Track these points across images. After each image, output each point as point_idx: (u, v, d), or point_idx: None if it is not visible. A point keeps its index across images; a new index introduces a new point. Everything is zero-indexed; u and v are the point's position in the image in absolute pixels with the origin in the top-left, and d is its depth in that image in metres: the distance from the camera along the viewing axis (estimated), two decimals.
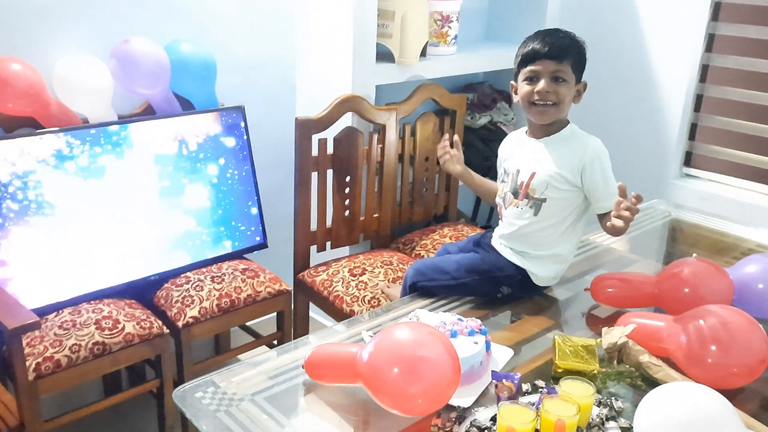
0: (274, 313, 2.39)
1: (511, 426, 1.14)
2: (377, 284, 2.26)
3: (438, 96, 2.68)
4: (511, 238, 1.81)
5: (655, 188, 2.85)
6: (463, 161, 2.15)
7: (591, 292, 1.75)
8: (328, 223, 2.48)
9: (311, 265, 2.46)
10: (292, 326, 2.44)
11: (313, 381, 1.39)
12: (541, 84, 1.70)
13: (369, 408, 1.32)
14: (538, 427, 1.19)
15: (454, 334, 1.43)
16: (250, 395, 1.34)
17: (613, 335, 1.48)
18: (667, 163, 2.87)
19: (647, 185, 2.90)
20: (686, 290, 1.62)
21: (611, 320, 1.63)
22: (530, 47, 1.72)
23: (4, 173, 1.93)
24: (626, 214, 1.57)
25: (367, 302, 2.20)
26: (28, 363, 1.80)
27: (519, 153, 1.84)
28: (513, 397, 1.29)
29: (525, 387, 1.38)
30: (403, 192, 2.71)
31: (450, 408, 1.30)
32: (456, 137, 2.19)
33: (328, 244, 2.51)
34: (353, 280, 2.29)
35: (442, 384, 1.24)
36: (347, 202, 2.49)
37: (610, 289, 1.73)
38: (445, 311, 1.69)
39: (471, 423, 1.25)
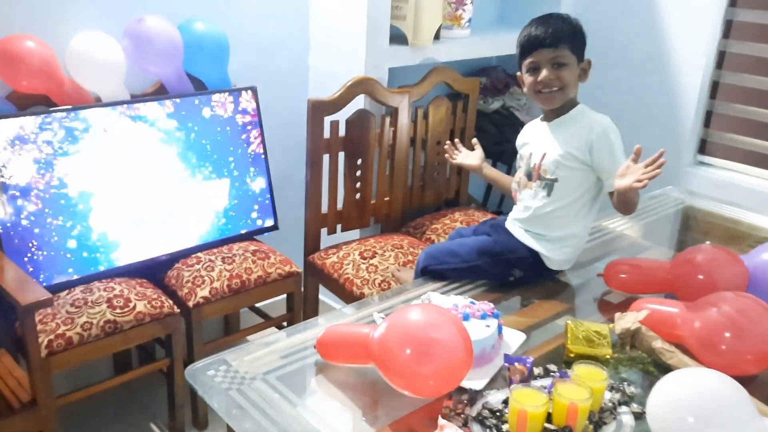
0: (284, 295, 2.40)
1: (524, 409, 1.14)
2: (387, 267, 2.26)
3: (451, 79, 2.66)
4: (526, 221, 1.81)
5: (669, 175, 2.80)
6: (481, 157, 2.17)
7: (604, 278, 1.74)
8: (339, 205, 2.48)
9: (321, 247, 2.46)
10: (301, 308, 2.45)
11: (325, 361, 1.39)
12: (543, 73, 1.72)
13: (380, 389, 1.32)
14: (551, 411, 1.19)
15: (466, 317, 1.42)
16: (261, 374, 1.34)
17: (627, 321, 1.47)
18: (682, 151, 2.85)
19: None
20: (700, 277, 1.61)
21: (624, 306, 1.62)
22: (526, 38, 1.74)
23: (17, 150, 1.93)
24: (639, 184, 1.54)
25: (377, 285, 2.20)
26: (40, 340, 1.81)
27: (533, 138, 1.85)
28: (525, 380, 1.29)
29: (537, 371, 1.37)
30: (414, 176, 2.70)
31: (462, 390, 1.30)
32: (474, 140, 2.22)
33: (339, 227, 2.51)
34: (363, 263, 2.28)
35: (454, 366, 1.24)
36: (358, 185, 2.49)
37: (623, 275, 1.72)
38: (457, 294, 1.68)
39: (483, 405, 1.24)
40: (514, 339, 1.49)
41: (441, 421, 1.19)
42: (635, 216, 2.25)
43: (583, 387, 1.19)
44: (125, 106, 2.12)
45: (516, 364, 1.31)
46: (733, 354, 1.36)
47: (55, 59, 1.99)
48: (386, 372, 1.26)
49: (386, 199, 2.60)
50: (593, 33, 1.77)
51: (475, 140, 2.20)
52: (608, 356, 1.43)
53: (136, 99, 2.17)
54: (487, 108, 2.99)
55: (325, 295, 2.61)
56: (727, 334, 1.36)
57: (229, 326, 2.71)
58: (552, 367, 1.39)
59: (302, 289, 2.44)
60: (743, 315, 1.37)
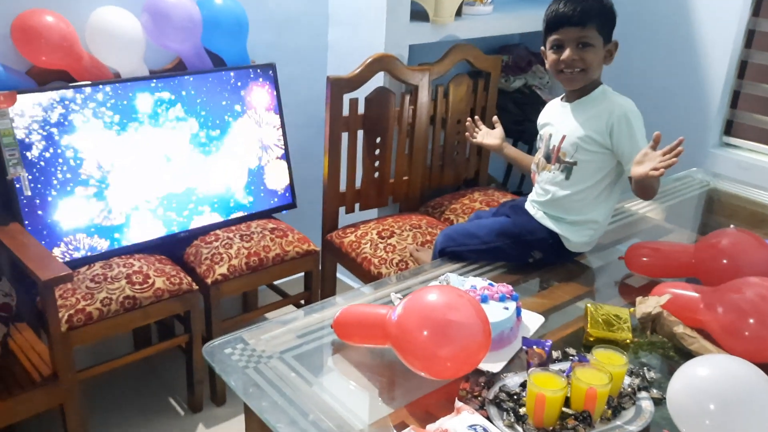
0: (302, 273, 2.40)
1: (542, 393, 1.13)
2: (405, 247, 2.24)
3: (472, 57, 2.62)
4: (545, 204, 1.78)
5: (694, 157, 2.77)
6: (501, 137, 2.12)
7: (625, 261, 1.72)
8: (357, 184, 2.46)
9: (339, 226, 2.45)
10: (319, 287, 2.45)
11: (342, 341, 1.38)
12: (566, 53, 1.67)
13: (397, 369, 1.31)
14: (569, 395, 1.17)
15: (484, 299, 1.41)
16: (278, 353, 1.34)
17: (648, 305, 1.44)
18: (707, 131, 2.79)
19: (685, 153, 2.75)
20: (724, 261, 1.57)
21: (645, 290, 1.60)
22: (553, 13, 1.68)
23: (37, 126, 1.94)
24: (655, 172, 1.49)
25: (394, 265, 2.19)
26: (61, 315, 1.83)
27: (553, 119, 1.82)
28: (543, 364, 1.27)
29: (555, 354, 1.36)
30: (434, 155, 2.67)
31: (479, 373, 1.29)
32: (495, 118, 2.17)
33: (357, 205, 2.50)
34: (381, 243, 2.27)
35: (471, 348, 1.23)
36: (377, 163, 2.47)
37: (645, 258, 1.69)
38: (475, 276, 1.66)
39: (500, 388, 1.23)
40: (532, 322, 1.48)
41: (458, 403, 1.18)
42: (658, 198, 2.22)
43: (603, 372, 1.17)
44: (144, 81, 2.11)
45: (534, 347, 1.29)
46: (757, 340, 1.33)
47: (74, 34, 1.98)
48: (403, 353, 1.25)
49: (405, 178, 2.58)
50: (620, 10, 1.72)
51: (495, 118, 2.16)
52: (628, 340, 1.41)
53: (154, 75, 2.16)
54: (509, 86, 2.94)
55: (342, 274, 2.60)
56: (751, 320, 1.33)
57: (248, 303, 2.72)
58: (571, 350, 1.37)
59: (320, 268, 2.44)
60: None
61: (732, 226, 1.99)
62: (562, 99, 1.83)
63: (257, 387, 1.23)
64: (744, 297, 1.36)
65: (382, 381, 1.31)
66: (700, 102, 2.79)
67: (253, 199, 2.40)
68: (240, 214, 2.37)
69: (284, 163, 2.46)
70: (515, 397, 1.21)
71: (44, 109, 1.94)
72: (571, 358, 1.34)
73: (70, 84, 2.00)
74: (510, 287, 1.47)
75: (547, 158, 1.78)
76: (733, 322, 1.35)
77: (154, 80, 2.14)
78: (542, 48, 1.77)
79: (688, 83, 2.81)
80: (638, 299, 1.49)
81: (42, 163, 1.95)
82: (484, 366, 1.29)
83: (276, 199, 2.46)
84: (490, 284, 1.47)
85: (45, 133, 1.95)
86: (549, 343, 1.31)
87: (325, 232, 2.44)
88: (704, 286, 1.52)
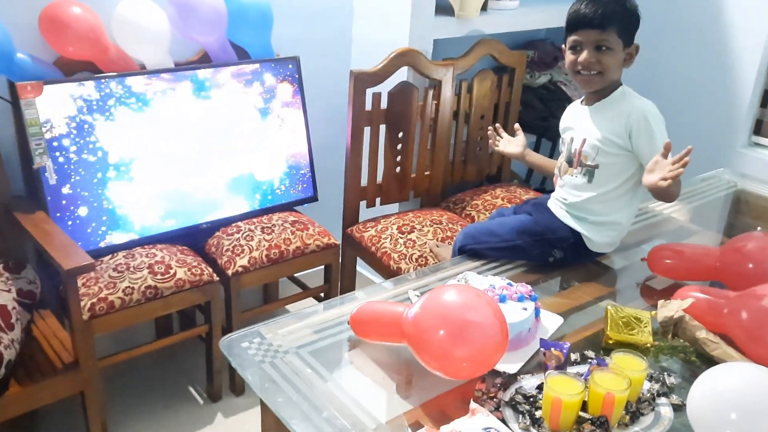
0: (322, 266, 2.40)
1: (559, 397, 1.12)
2: (425, 243, 2.23)
3: (497, 52, 2.60)
4: (568, 205, 1.76)
5: (721, 156, 2.72)
6: (523, 144, 2.07)
7: (648, 263, 1.69)
8: (379, 179, 2.46)
9: (360, 220, 2.45)
10: (338, 280, 2.45)
11: (358, 337, 1.38)
12: (584, 55, 1.64)
13: (413, 368, 1.31)
14: (586, 399, 1.16)
15: (503, 299, 1.40)
16: (295, 348, 1.34)
17: (670, 308, 1.42)
18: (736, 131, 2.74)
19: (713, 153, 2.78)
20: (750, 266, 1.54)
21: (668, 293, 1.58)
22: (574, 13, 1.65)
23: (63, 116, 1.96)
24: (663, 182, 1.47)
25: (414, 260, 2.19)
26: (83, 303, 1.85)
27: (573, 122, 1.79)
28: (561, 366, 1.26)
29: (573, 357, 1.34)
30: (456, 150, 2.66)
31: (495, 373, 1.28)
32: (516, 125, 2.12)
33: (378, 200, 2.49)
34: (401, 238, 2.27)
35: (488, 348, 1.22)
36: (399, 158, 2.46)
37: (668, 260, 1.66)
38: (494, 275, 1.65)
39: (516, 390, 1.22)
40: (551, 322, 1.46)
41: (472, 404, 1.17)
42: (684, 199, 2.18)
43: (621, 376, 1.16)
44: (169, 73, 2.13)
45: (552, 349, 1.28)
46: None
47: (101, 25, 2.00)
48: (419, 352, 1.25)
49: (427, 173, 2.57)
50: (649, 6, 1.68)
51: (517, 126, 2.13)
52: (648, 344, 1.39)
53: (180, 67, 2.17)
54: (534, 82, 2.91)
55: (363, 268, 2.60)
56: None
57: (269, 295, 2.74)
58: (590, 353, 1.36)
59: (340, 261, 2.44)
60: None
61: (759, 228, 1.96)
62: (582, 102, 1.80)
63: (273, 382, 1.24)
64: None
65: (397, 379, 1.31)
66: (729, 100, 2.74)
67: (275, 191, 2.41)
68: (262, 206, 2.38)
69: (307, 156, 2.47)
70: (531, 399, 1.20)
71: (71, 99, 1.96)
72: (589, 361, 1.32)
73: (96, 75, 2.02)
74: (529, 287, 1.45)
75: (569, 162, 1.76)
76: (757, 328, 1.32)
77: (179, 72, 2.14)
78: (563, 46, 1.74)
79: (717, 81, 2.76)
80: (660, 302, 1.46)
81: (68, 153, 1.98)
82: (500, 366, 1.28)
83: (298, 192, 2.46)
84: (509, 284, 1.46)
85: (71, 123, 1.97)
86: (567, 345, 1.29)
87: (346, 226, 2.44)
88: (729, 290, 1.50)
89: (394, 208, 2.61)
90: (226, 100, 2.25)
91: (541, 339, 1.32)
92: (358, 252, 2.40)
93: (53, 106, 1.93)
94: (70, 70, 2.05)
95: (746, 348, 1.34)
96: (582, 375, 1.22)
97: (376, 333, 1.35)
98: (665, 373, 1.31)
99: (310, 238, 2.29)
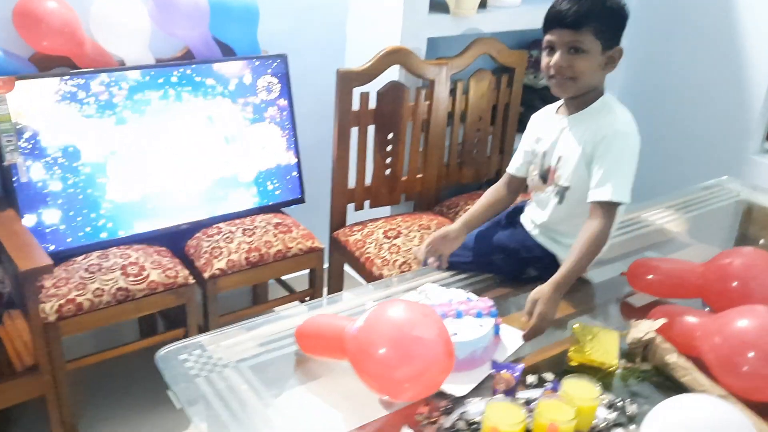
0: (308, 270, 2.34)
1: (496, 427, 1.03)
2: (411, 249, 2.15)
3: (496, 52, 2.50)
4: (540, 226, 1.66)
5: (731, 163, 2.59)
6: (459, 234, 1.71)
7: (628, 278, 1.58)
8: (368, 181, 2.38)
9: (349, 223, 2.38)
10: (323, 285, 2.38)
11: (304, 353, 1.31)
12: (555, 57, 1.49)
13: (358, 386, 1.23)
14: (531, 429, 1.07)
15: (458, 315, 1.31)
16: (235, 362, 1.28)
17: (640, 329, 1.32)
18: (747, 137, 2.59)
19: (723, 160, 2.64)
20: (734, 284, 1.43)
21: (648, 310, 1.46)
22: (550, 10, 1.51)
23: (37, 112, 1.92)
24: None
25: (397, 267, 2.11)
26: (51, 304, 1.82)
27: (547, 132, 1.63)
28: (511, 391, 1.17)
29: (530, 379, 1.26)
30: (452, 153, 2.56)
31: (443, 395, 1.20)
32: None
33: (367, 203, 2.42)
34: (386, 243, 2.19)
35: (432, 370, 1.14)
36: (389, 160, 2.38)
37: (649, 276, 1.55)
38: (464, 286, 1.57)
39: (460, 415, 1.14)
40: (513, 341, 1.37)
41: (404, 430, 1.09)
42: (681, 208, 2.06)
43: (569, 405, 1.07)
44: (148, 70, 2.08)
45: (504, 371, 1.19)
46: (757, 377, 1.20)
47: (77, 20, 1.96)
48: (359, 372, 1.17)
49: (419, 176, 2.48)
50: (658, 7, 1.55)
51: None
52: (613, 368, 1.29)
53: (160, 64, 2.13)
54: (537, 83, 2.81)
55: (353, 272, 2.53)
56: (751, 354, 1.20)
57: (257, 297, 2.69)
58: (548, 376, 1.27)
59: (327, 265, 2.38)
60: None
61: (762, 242, 1.84)
62: (557, 110, 1.65)
63: (204, 398, 1.18)
64: (746, 327, 1.23)
65: (337, 399, 1.23)
66: (742, 104, 2.60)
67: (260, 192, 2.35)
68: (246, 206, 2.32)
69: (293, 157, 2.40)
70: (474, 426, 1.12)
71: (45, 95, 1.92)
72: (545, 385, 1.23)
73: (71, 71, 1.98)
74: (490, 303, 1.37)
75: (543, 178, 1.63)
76: (730, 355, 1.22)
77: (159, 69, 2.10)
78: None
79: (730, 83, 2.62)
80: (631, 322, 1.36)
81: (41, 151, 1.94)
82: (448, 388, 1.20)
83: (284, 193, 2.40)
84: (469, 298, 1.37)
85: (45, 120, 1.94)
86: (520, 367, 1.20)
87: (333, 229, 2.38)
88: (713, 310, 1.39)
89: (386, 211, 2.53)
90: (209, 98, 2.19)
91: (493, 361, 1.23)
92: (344, 256, 2.33)
93: (26, 102, 1.90)
94: (47, 65, 2.01)
95: (718, 375, 1.24)
96: (534, 401, 1.13)
97: (320, 348, 1.28)
98: (628, 401, 1.21)
99: (292, 241, 2.22)
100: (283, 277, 2.52)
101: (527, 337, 1.37)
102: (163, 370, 1.24)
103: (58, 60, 2.01)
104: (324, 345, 1.26)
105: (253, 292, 2.70)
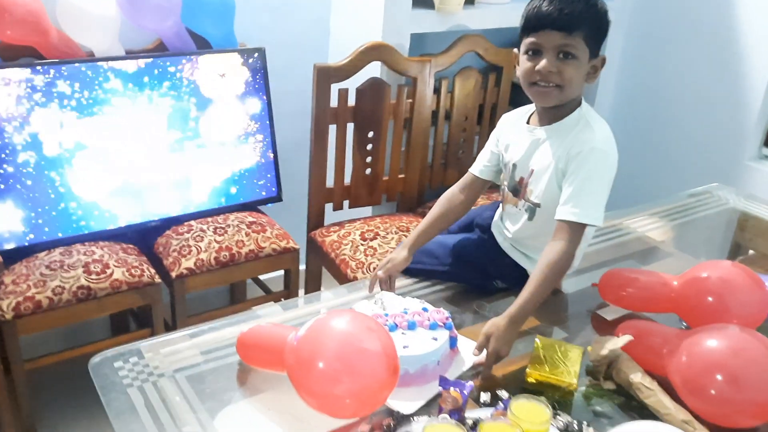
0: (282, 271, 2.27)
1: None
2: (387, 251, 2.08)
3: (483, 49, 2.42)
4: (510, 239, 1.57)
5: (727, 170, 2.49)
6: (404, 260, 1.56)
7: (599, 289, 1.50)
8: (347, 180, 2.31)
9: (328, 223, 2.31)
10: (299, 286, 2.32)
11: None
12: (543, 62, 1.35)
13: (298, 401, 1.16)
14: None
15: (412, 326, 1.24)
16: (171, 371, 1.21)
17: (604, 346, 1.25)
18: (744, 142, 2.50)
19: (719, 166, 2.55)
20: (709, 299, 1.34)
21: (619, 323, 1.39)
22: (534, 10, 1.37)
23: (2, 103, 1.87)
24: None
25: (371, 270, 2.04)
26: (8, 301, 1.76)
27: (518, 143, 1.52)
28: (458, 410, 1.10)
29: (484, 397, 1.18)
30: (436, 153, 2.49)
31: (390, 412, 1.13)
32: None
33: (346, 203, 2.35)
34: (363, 245, 2.12)
35: (373, 386, 1.07)
36: (369, 159, 2.31)
37: (620, 288, 1.47)
38: (426, 294, 1.49)
39: None
40: (470, 354, 1.30)
41: None
42: (665, 216, 1.98)
43: (514, 428, 0.99)
44: (115, 61, 2.01)
45: (451, 388, 1.12)
46: (724, 402, 1.12)
47: (42, 9, 1.90)
48: (296, 386, 1.10)
49: (401, 176, 2.41)
50: (654, 7, 1.45)
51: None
52: (572, 387, 1.22)
53: (129, 55, 2.06)
54: None
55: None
56: (719, 377, 1.12)
57: (235, 297, 2.62)
58: (503, 394, 1.19)
59: (304, 266, 2.31)
60: (742, 356, 1.12)
61: (751, 252, 1.76)
62: (529, 119, 1.53)
63: (133, 410, 1.11)
64: (714, 348, 1.15)
65: (279, 415, 1.16)
66: (738, 107, 2.50)
67: (235, 189, 2.28)
68: (220, 204, 2.25)
69: (270, 154, 2.33)
70: None
71: (7, 86, 1.86)
72: (497, 404, 1.16)
73: (38, 62, 1.92)
74: (446, 314, 1.29)
75: (514, 192, 1.53)
76: (696, 377, 1.14)
77: (127, 60, 2.03)
78: (515, 50, 1.46)
79: (726, 86, 2.53)
80: (596, 338, 1.29)
81: (4, 143, 1.88)
82: (395, 405, 1.13)
83: (260, 191, 2.34)
84: (424, 309, 1.30)
85: (8, 112, 1.88)
86: (469, 384, 1.13)
87: (310, 229, 2.31)
88: (687, 326, 1.31)
89: (367, 211, 2.46)
90: (181, 91, 2.13)
91: (441, 377, 1.15)
92: (319, 258, 2.27)
93: None
94: (13, 56, 1.96)
95: (684, 397, 1.16)
96: (477, 422, 1.06)
97: (260, 360, 1.21)
98: (585, 423, 1.14)
99: (266, 240, 2.16)
100: (261, 277, 2.45)
101: (482, 374, 1.28)
102: (95, 378, 1.17)
103: (25, 50, 1.95)
104: (265, 356, 1.19)
105: (231, 291, 2.63)
